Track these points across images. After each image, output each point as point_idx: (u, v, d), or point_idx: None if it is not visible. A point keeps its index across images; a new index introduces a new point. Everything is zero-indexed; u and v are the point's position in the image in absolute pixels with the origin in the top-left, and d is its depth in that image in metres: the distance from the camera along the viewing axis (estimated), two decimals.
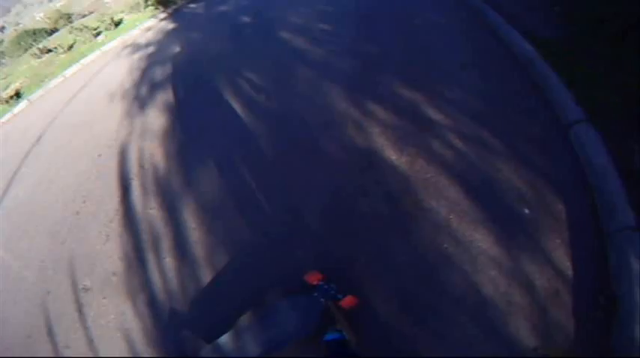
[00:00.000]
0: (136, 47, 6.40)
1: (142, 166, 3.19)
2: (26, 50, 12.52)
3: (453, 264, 1.73)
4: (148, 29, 7.36)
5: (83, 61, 7.14)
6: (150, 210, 2.76)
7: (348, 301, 1.68)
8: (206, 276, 2.19)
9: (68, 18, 15.09)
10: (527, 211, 1.81)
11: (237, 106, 3.41)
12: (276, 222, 2.28)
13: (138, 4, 8.67)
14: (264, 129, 3.01)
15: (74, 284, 2.55)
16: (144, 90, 4.52)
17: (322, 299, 1.64)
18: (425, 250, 1.82)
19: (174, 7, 8.13)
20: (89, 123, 4.38)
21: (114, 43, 7.38)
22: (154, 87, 4.47)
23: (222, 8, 7.12)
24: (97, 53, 7.23)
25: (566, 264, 1.59)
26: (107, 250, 2.64)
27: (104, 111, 4.46)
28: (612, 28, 2.83)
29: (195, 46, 5.31)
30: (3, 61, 14.50)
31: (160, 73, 4.75)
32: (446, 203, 1.97)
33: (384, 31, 4.13)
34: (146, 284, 2.32)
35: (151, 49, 5.79)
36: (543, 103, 2.33)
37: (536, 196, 1.85)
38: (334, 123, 2.80)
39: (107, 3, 13.86)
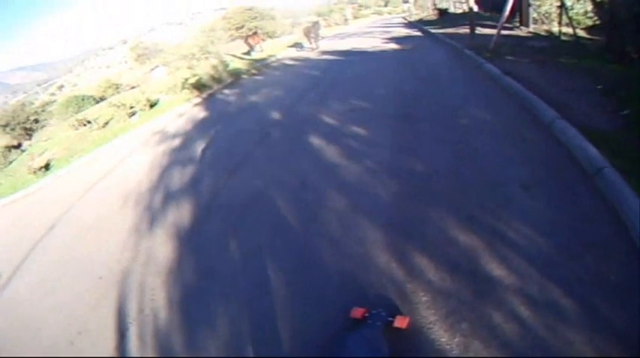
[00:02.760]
0: (164, 136, 6.47)
1: (141, 310, 2.70)
2: (72, 115, 13.40)
3: None
4: (180, 115, 7.60)
5: (113, 142, 7.35)
6: None
7: (400, 321, 1.78)
8: None
9: (116, 88, 16.45)
10: None
11: (254, 244, 2.92)
12: None
13: (175, 85, 9.14)
14: (285, 289, 2.42)
15: None
16: (157, 199, 4.27)
17: (379, 323, 1.74)
18: None
19: (209, 91, 8.47)
20: (99, 228, 4.16)
21: (145, 126, 7.62)
22: (168, 197, 4.22)
23: (254, 98, 7.27)
24: (127, 136, 7.46)
25: None
26: None
27: (115, 218, 4.24)
28: None
29: (219, 146, 5.24)
30: (51, 121, 15.61)
31: (177, 178, 4.58)
32: None
33: (426, 136, 3.69)
34: None
35: (176, 142, 5.78)
36: (620, 233, 2.02)
37: None
38: (372, 288, 2.20)
39: (153, 77, 15.04)
